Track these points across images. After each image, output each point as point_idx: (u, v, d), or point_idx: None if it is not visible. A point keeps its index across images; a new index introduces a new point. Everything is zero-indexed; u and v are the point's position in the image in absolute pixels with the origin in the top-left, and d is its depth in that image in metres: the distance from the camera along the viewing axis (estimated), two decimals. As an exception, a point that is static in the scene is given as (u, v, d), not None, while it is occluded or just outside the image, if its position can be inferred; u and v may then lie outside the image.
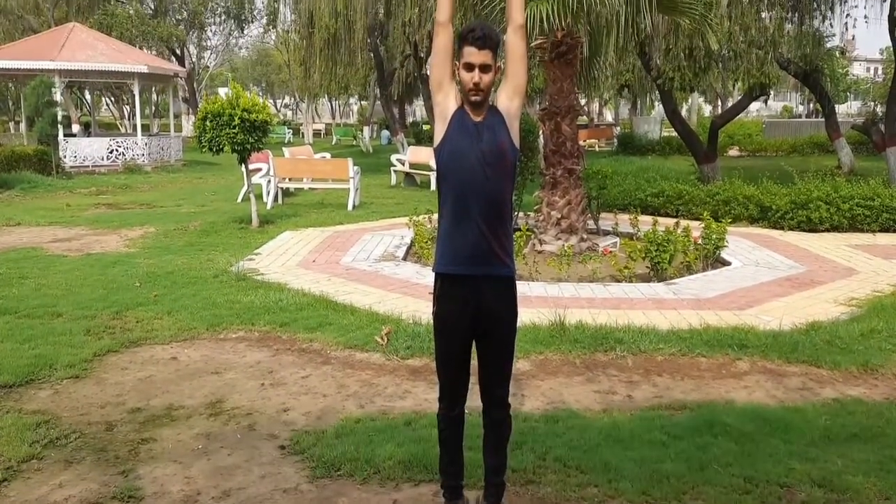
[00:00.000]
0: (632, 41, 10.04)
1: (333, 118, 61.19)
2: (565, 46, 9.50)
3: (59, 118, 22.74)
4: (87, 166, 23.69)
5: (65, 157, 22.93)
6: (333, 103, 61.84)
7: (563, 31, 9.22)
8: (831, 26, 16.64)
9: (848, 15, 16.46)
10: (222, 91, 60.19)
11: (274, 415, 5.01)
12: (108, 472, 4.23)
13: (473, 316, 3.41)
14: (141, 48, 33.24)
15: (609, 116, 58.62)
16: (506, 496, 3.71)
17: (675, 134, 27.90)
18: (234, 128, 11.42)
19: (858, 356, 5.98)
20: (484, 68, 3.28)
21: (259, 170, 16.19)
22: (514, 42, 3.42)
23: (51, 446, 4.54)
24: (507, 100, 3.42)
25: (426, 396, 5.30)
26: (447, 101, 3.41)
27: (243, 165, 12.75)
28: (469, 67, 3.29)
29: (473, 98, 3.32)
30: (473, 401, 3.69)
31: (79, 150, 24.11)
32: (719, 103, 51.25)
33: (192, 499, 3.94)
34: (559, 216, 9.91)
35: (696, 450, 4.34)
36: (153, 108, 43.58)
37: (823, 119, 22.87)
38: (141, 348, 6.43)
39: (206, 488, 4.04)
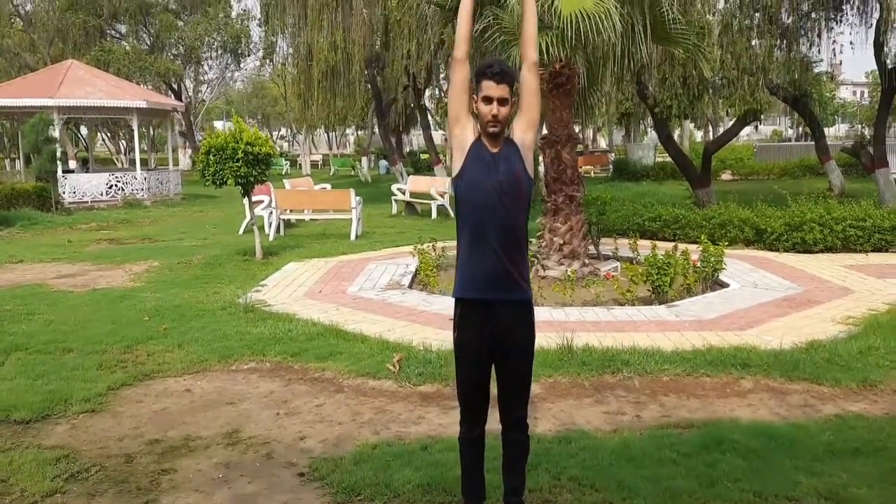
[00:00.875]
0: (628, 71, 10.27)
1: (330, 149, 61.55)
2: (563, 77, 9.73)
3: (59, 154, 22.92)
4: (87, 202, 23.85)
5: (64, 193, 23.09)
6: (330, 134, 62.22)
7: (561, 63, 9.44)
8: (819, 52, 16.99)
9: (834, 41, 16.83)
10: (218, 124, 60.48)
11: (291, 443, 5.12)
12: (131, 503, 4.33)
13: (493, 340, 3.55)
14: (138, 83, 33.52)
15: (603, 143, 59.07)
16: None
17: (668, 159, 28.20)
18: (237, 161, 11.60)
19: (857, 373, 6.12)
20: (502, 101, 3.46)
21: (261, 202, 16.34)
22: (528, 78, 3.62)
23: (72, 480, 4.63)
24: (522, 132, 3.59)
25: (440, 421, 5.42)
26: (465, 133, 3.58)
27: (246, 198, 12.91)
28: (488, 101, 3.47)
29: (491, 130, 3.50)
30: (490, 423, 3.80)
31: (78, 185, 24.28)
32: (710, 129, 51.77)
33: (217, 525, 4.04)
34: (561, 242, 10.07)
35: (706, 466, 4.46)
36: (150, 142, 43.91)
37: (813, 142, 23.18)
38: (154, 381, 6.53)
39: (230, 515, 4.15)
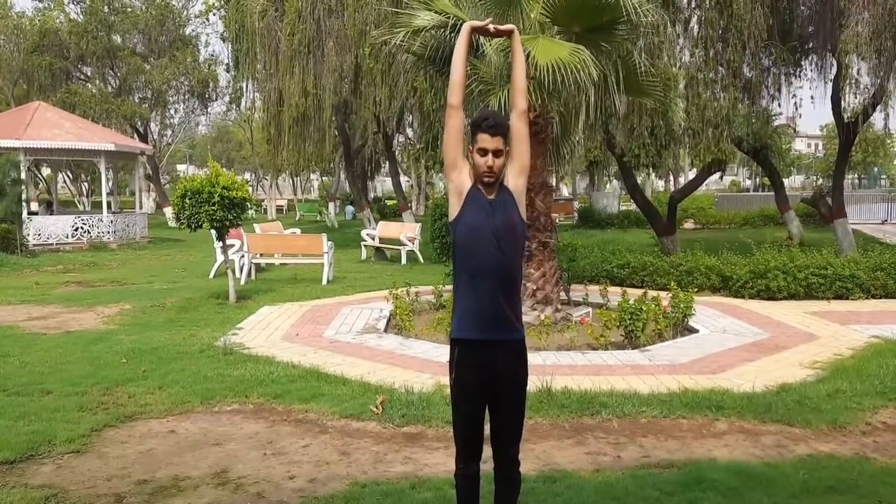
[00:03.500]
0: (599, 120, 10.61)
1: (295, 194, 61.61)
2: (539, 126, 10.02)
3: (24, 197, 22.76)
4: (52, 244, 23.66)
5: (29, 235, 22.88)
6: (295, 179, 62.34)
7: (535, 112, 9.74)
8: (779, 106, 17.61)
9: (794, 95, 17.48)
10: (181, 168, 60.21)
11: (280, 482, 5.18)
12: (125, 540, 4.36)
13: (489, 379, 3.68)
14: (104, 126, 33.43)
15: (566, 191, 59.92)
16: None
17: (632, 208, 28.80)
18: (213, 205, 11.68)
19: (827, 415, 6.34)
20: (496, 153, 3.65)
21: (232, 245, 16.37)
22: (517, 126, 3.80)
23: (63, 518, 4.66)
24: (514, 178, 3.77)
25: (426, 461, 5.51)
26: (461, 178, 3.75)
27: (220, 241, 12.95)
28: (483, 152, 3.65)
29: (487, 180, 3.68)
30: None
31: (43, 228, 24.09)
32: (671, 178, 52.91)
33: (213, 563, 4.09)
34: (535, 287, 10.26)
35: (688, 504, 4.62)
36: (115, 185, 43.62)
37: (772, 192, 23.86)
38: (137, 422, 6.54)
39: (225, 553, 4.20)
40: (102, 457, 5.73)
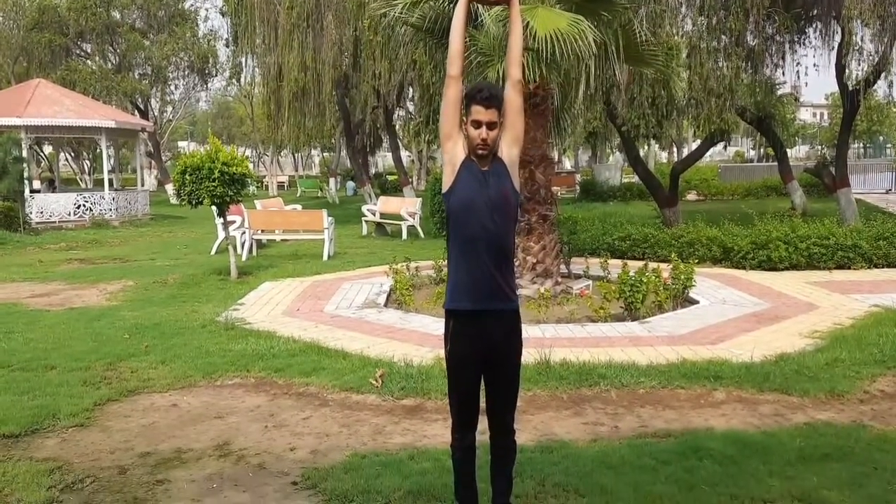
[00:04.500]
0: (599, 91, 10.56)
1: (296, 170, 61.51)
2: (538, 98, 9.98)
3: (26, 174, 22.77)
4: (54, 222, 23.69)
5: (31, 213, 22.92)
6: (296, 155, 62.21)
7: (535, 84, 9.70)
8: (783, 74, 17.49)
9: (798, 63, 17.33)
10: (182, 144, 60.02)
11: (281, 454, 5.24)
12: (128, 512, 4.43)
13: (484, 349, 3.70)
14: (105, 103, 33.35)
15: (568, 164, 59.77)
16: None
17: (635, 180, 28.76)
18: (213, 181, 11.68)
19: (825, 384, 6.38)
20: (490, 125, 3.65)
21: (233, 222, 16.39)
22: (512, 96, 3.79)
23: (68, 490, 4.71)
24: (508, 148, 3.78)
25: (424, 433, 5.57)
26: (456, 149, 3.75)
27: (221, 218, 12.97)
28: (477, 124, 3.65)
29: (480, 152, 3.68)
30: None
31: (45, 206, 24.12)
32: (674, 150, 52.66)
33: (215, 533, 4.15)
34: (534, 261, 10.28)
35: (684, 472, 4.66)
36: (116, 162, 43.58)
37: (775, 163, 23.77)
38: (140, 397, 6.60)
39: (226, 523, 4.25)
40: (106, 430, 5.79)
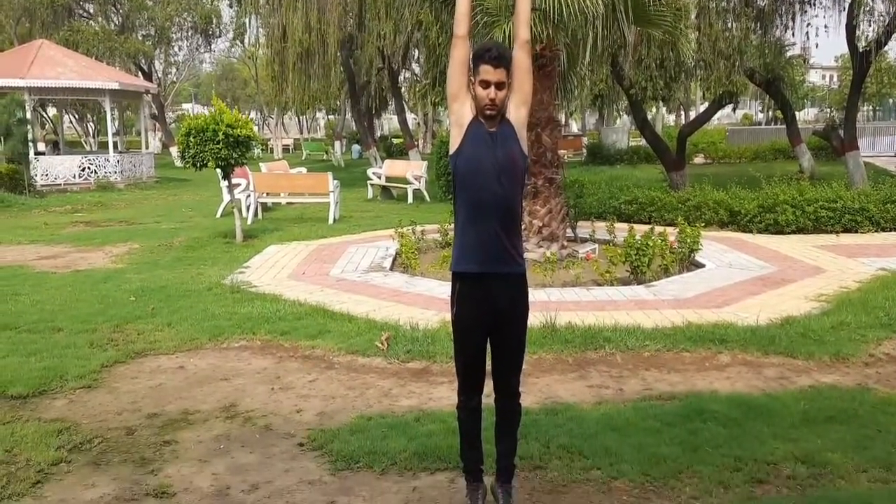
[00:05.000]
0: (606, 53, 10.44)
1: (301, 133, 61.25)
2: (545, 59, 9.87)
3: (30, 136, 22.71)
4: (59, 184, 23.66)
5: (36, 175, 22.89)
6: (301, 118, 61.93)
7: (542, 45, 9.59)
8: (792, 35, 17.29)
9: (808, 24, 17.11)
10: (187, 107, 59.68)
11: (288, 416, 5.27)
12: (136, 472, 4.46)
13: (490, 312, 3.70)
14: (108, 64, 33.14)
15: (575, 127, 59.35)
16: (516, 477, 4.00)
17: (642, 143, 28.51)
18: (217, 143, 11.64)
19: (830, 347, 6.38)
20: (499, 85, 3.60)
21: (238, 185, 16.35)
22: (520, 57, 3.75)
23: (76, 451, 4.75)
24: (515, 109, 3.73)
25: (430, 395, 5.59)
26: (463, 110, 3.72)
27: (226, 180, 12.95)
28: (485, 84, 3.60)
29: (489, 112, 3.64)
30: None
31: (50, 168, 24.07)
32: (682, 113, 52.27)
33: (222, 493, 4.19)
34: (541, 224, 10.25)
35: (688, 434, 4.68)
36: (120, 124, 43.44)
37: (783, 126, 23.55)
38: (146, 359, 6.64)
39: (234, 483, 4.29)
40: (113, 391, 5.83)
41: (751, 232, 12.52)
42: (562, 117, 53.96)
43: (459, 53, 3.73)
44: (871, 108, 57.69)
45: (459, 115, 3.72)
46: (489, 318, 3.71)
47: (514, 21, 3.91)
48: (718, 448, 4.49)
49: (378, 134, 45.10)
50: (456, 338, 3.84)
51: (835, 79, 71.19)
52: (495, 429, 3.96)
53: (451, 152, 3.76)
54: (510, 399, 3.90)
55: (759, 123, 62.24)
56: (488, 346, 3.83)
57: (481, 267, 3.66)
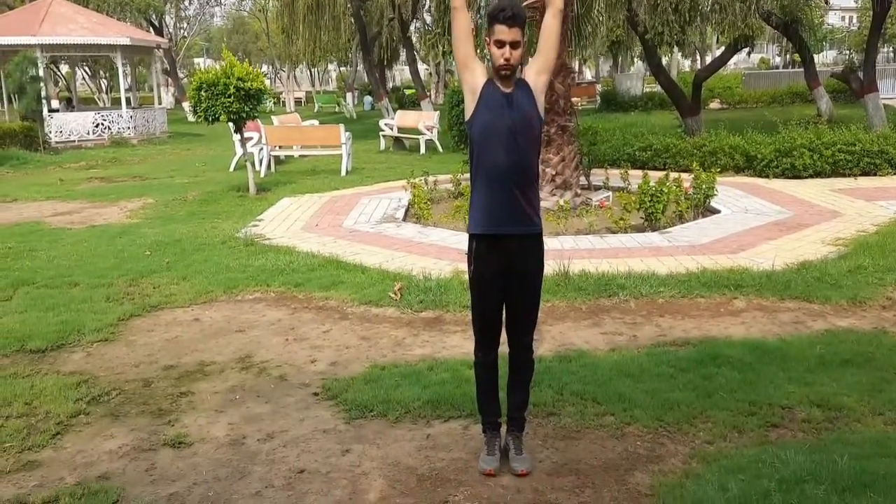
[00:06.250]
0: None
1: (313, 85, 60.86)
2: (557, 5, 9.69)
3: (44, 94, 22.67)
4: (74, 141, 23.67)
5: (50, 132, 22.91)
6: (313, 71, 61.49)
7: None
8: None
9: (827, -37, 16.67)
10: (199, 62, 59.22)
11: (302, 366, 5.30)
12: (153, 422, 4.51)
13: (506, 270, 3.69)
14: (119, 20, 32.90)
15: (588, 74, 58.63)
16: (527, 428, 4.02)
17: (657, 89, 28.15)
18: (229, 97, 11.57)
19: (847, 291, 6.33)
20: (514, 45, 3.54)
21: (250, 139, 16.30)
22: (551, 24, 3.71)
23: (94, 403, 4.81)
24: (535, 75, 3.69)
25: (443, 344, 5.61)
26: (475, 77, 3.68)
27: (238, 134, 12.91)
28: (500, 44, 3.55)
29: (504, 72, 3.59)
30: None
31: (64, 125, 24.06)
32: (698, 57, 51.43)
33: (238, 441, 4.23)
34: (554, 173, 10.17)
35: (702, 380, 4.67)
36: (133, 80, 43.29)
37: (801, 69, 23.13)
38: (162, 312, 6.68)
39: (250, 432, 4.33)
40: (130, 344, 5.88)
41: (767, 177, 12.39)
42: (575, 64, 53.36)
43: (460, 24, 3.70)
44: (891, 49, 56.63)
45: (472, 83, 3.69)
46: (505, 276, 3.71)
47: None
48: (733, 393, 4.48)
49: (390, 85, 44.74)
50: (473, 295, 3.84)
51: (854, 20, 69.71)
52: (508, 380, 3.97)
53: (466, 118, 3.73)
54: (524, 352, 3.90)
55: (776, 67, 61.21)
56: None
57: (498, 229, 3.65)
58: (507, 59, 3.56)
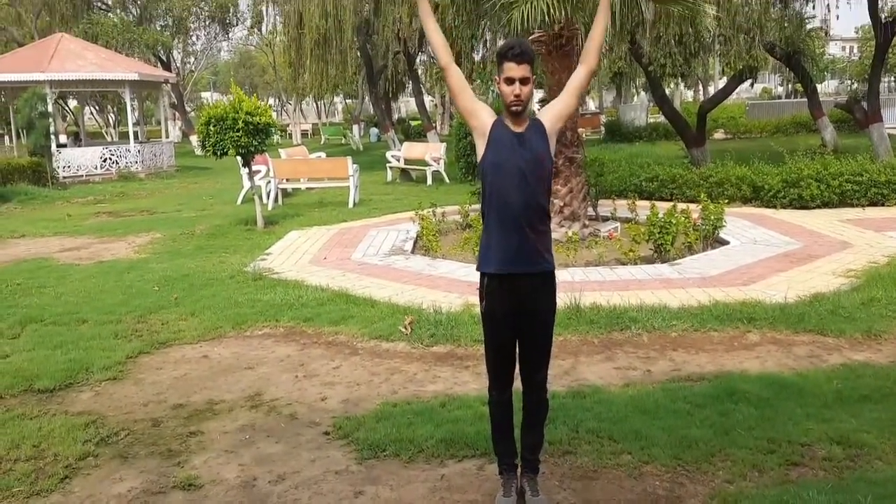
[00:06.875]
0: (625, 30, 10.29)
1: (319, 118, 61.17)
2: (563, 38, 9.74)
3: (52, 129, 22.81)
4: (81, 175, 23.76)
5: (58, 167, 23.02)
6: (319, 103, 61.85)
7: (560, 24, 9.45)
8: (813, 8, 16.99)
9: (829, -4, 16.81)
10: (206, 95, 59.66)
11: (312, 403, 5.25)
12: (163, 464, 4.45)
13: (518, 309, 3.66)
14: (127, 55, 33.20)
15: (592, 105, 58.83)
16: (543, 467, 3.96)
17: (661, 120, 28.23)
18: (237, 131, 11.62)
19: (862, 324, 6.27)
20: (524, 81, 3.56)
21: (258, 171, 16.35)
22: (581, 81, 3.79)
23: (103, 444, 4.75)
24: (552, 120, 3.72)
25: (455, 380, 5.55)
26: (481, 121, 3.70)
27: (246, 168, 12.95)
28: (510, 81, 3.57)
29: (514, 108, 3.60)
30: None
31: (72, 159, 24.17)
32: (700, 88, 51.66)
33: (249, 484, 4.17)
34: (562, 204, 10.16)
35: (720, 416, 4.60)
36: (140, 115, 43.59)
37: (804, 99, 23.18)
38: (171, 349, 6.64)
39: (261, 474, 4.27)
40: (139, 383, 5.83)
41: (774, 207, 12.36)
42: (580, 95, 53.49)
43: (453, 80, 3.76)
44: (893, 78, 56.81)
45: (480, 127, 3.71)
46: (517, 314, 3.68)
47: (587, 45, 3.88)
48: (751, 430, 4.41)
49: (395, 117, 44.96)
50: (486, 331, 3.81)
51: (854, 50, 70.07)
52: (522, 420, 3.92)
53: (478, 160, 3.75)
54: (538, 391, 3.86)
55: (779, 97, 61.42)
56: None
57: (510, 268, 3.63)
58: (517, 96, 3.57)
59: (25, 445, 4.69)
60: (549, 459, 4.15)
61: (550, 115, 3.72)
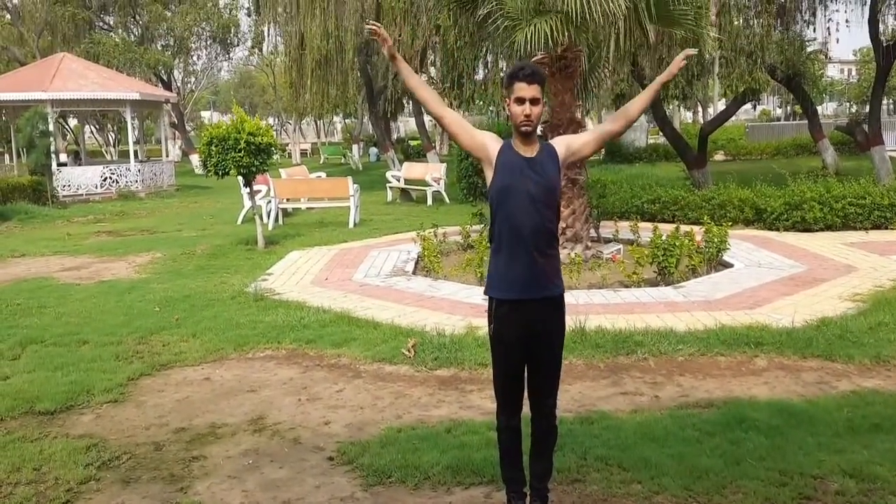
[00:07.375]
0: (627, 52, 10.32)
1: (318, 137, 61.29)
2: (566, 60, 9.75)
3: (53, 148, 22.82)
4: (82, 195, 23.74)
5: (58, 186, 23.00)
6: (318, 122, 62.00)
7: (563, 46, 9.46)
8: (813, 31, 17.07)
9: (830, 19, 16.90)
10: (206, 115, 59.89)
11: (316, 428, 5.18)
12: (166, 489, 4.39)
13: (527, 333, 3.63)
14: (128, 75, 33.29)
15: (591, 126, 59.03)
16: (552, 496, 3.91)
17: (660, 141, 28.33)
18: (239, 151, 11.61)
19: (870, 349, 6.21)
20: (534, 101, 3.56)
21: (259, 191, 16.32)
22: (605, 136, 3.86)
23: (104, 468, 4.68)
24: (564, 154, 3.73)
25: (460, 404, 5.48)
26: (487, 150, 3.69)
27: (247, 187, 12.93)
28: (520, 101, 3.56)
29: (524, 129, 3.58)
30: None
31: (72, 179, 24.16)
32: (700, 110, 51.86)
33: (253, 510, 4.10)
34: (564, 226, 10.13)
35: (730, 445, 4.54)
36: (141, 134, 43.64)
37: (804, 121, 23.24)
38: (172, 371, 6.57)
39: (264, 500, 4.20)
40: (140, 406, 5.76)
41: (777, 230, 12.34)
42: (579, 115, 53.76)
43: (450, 127, 3.77)
44: (893, 101, 57.09)
45: (486, 155, 3.71)
46: (526, 338, 3.65)
47: (622, 112, 3.88)
48: (762, 460, 4.34)
49: (395, 136, 45.04)
50: (494, 355, 3.78)
51: (853, 73, 70.44)
52: (531, 448, 3.87)
53: (487, 188, 3.74)
54: (546, 417, 3.82)
55: (778, 119, 61.67)
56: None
57: (519, 294, 3.61)
58: (527, 116, 3.56)
59: (26, 469, 4.63)
60: (557, 487, 4.09)
61: (566, 147, 3.72)
